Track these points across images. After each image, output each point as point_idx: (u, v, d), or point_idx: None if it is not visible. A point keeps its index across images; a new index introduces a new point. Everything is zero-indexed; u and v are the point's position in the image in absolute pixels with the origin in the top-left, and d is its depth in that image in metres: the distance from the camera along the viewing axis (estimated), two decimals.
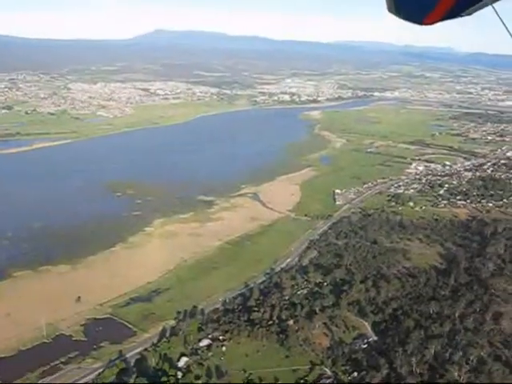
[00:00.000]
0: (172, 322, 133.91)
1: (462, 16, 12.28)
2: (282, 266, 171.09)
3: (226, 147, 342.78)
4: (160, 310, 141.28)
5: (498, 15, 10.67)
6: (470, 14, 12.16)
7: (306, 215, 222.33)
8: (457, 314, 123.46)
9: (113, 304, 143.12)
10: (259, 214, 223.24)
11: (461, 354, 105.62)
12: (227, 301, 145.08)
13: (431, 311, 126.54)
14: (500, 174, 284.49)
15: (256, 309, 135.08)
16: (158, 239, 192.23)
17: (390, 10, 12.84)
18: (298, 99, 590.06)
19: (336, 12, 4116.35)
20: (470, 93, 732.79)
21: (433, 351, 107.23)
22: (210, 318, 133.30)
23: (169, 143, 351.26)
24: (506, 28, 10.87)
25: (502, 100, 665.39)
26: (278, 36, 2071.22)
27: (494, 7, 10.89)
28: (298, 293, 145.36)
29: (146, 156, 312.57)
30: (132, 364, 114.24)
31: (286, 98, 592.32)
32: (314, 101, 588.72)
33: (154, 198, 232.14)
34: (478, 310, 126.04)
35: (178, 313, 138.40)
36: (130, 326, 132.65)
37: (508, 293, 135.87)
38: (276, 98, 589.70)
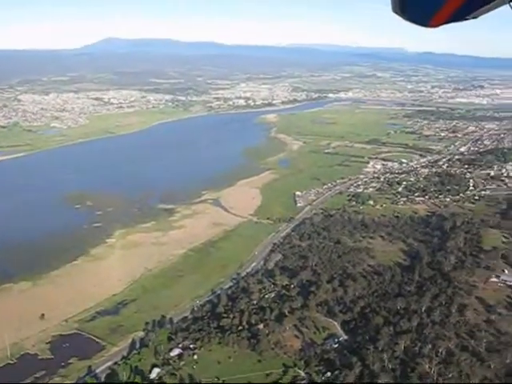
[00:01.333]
0: (141, 334, 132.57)
1: (467, 19, 12.36)
2: (248, 270, 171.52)
3: (184, 154, 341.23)
4: (128, 321, 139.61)
5: None
6: (475, 18, 12.19)
7: (268, 218, 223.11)
8: (423, 309, 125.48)
9: (79, 319, 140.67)
10: (221, 219, 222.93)
11: (430, 346, 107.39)
12: (195, 308, 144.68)
13: (398, 307, 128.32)
14: (455, 169, 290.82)
15: (225, 315, 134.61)
16: (120, 250, 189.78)
17: (394, 10, 12.76)
18: (253, 103, 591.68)
19: (288, 16, 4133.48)
20: (421, 91, 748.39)
21: (403, 346, 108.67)
22: (180, 327, 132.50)
23: (126, 152, 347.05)
24: None
25: (452, 97, 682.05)
26: (231, 41, 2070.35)
27: (510, 5, 10.79)
28: (266, 296, 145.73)
29: (104, 166, 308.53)
30: (103, 379, 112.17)
31: (241, 102, 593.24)
32: (269, 104, 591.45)
33: (115, 209, 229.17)
34: (443, 303, 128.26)
35: (147, 323, 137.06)
36: (98, 340, 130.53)
37: (470, 284, 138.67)
38: (231, 102, 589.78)
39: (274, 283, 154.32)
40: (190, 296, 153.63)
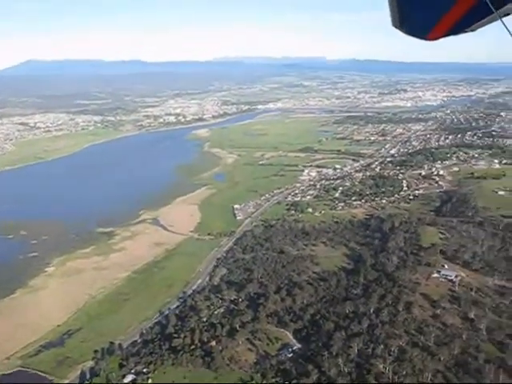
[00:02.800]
0: (90, 363, 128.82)
1: (466, 32, 12.73)
2: (194, 287, 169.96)
3: (118, 175, 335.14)
4: (75, 352, 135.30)
5: (508, 29, 10.95)
6: (474, 30, 12.59)
7: (209, 234, 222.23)
8: (372, 310, 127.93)
9: (21, 355, 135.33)
10: (162, 238, 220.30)
11: (382, 346, 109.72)
12: (145, 332, 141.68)
13: (347, 311, 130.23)
14: (388, 171, 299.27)
15: (176, 335, 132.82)
16: (60, 278, 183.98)
17: (394, 24, 12.94)
18: (183, 119, 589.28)
19: (212, 30, 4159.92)
20: (348, 97, 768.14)
21: (356, 349, 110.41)
22: (131, 352, 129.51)
23: (58, 177, 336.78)
24: None
25: (378, 102, 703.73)
26: (156, 58, 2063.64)
27: (503, 22, 11.12)
28: (216, 312, 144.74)
29: (35, 193, 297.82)
30: None
31: (172, 119, 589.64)
32: (200, 119, 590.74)
33: (50, 236, 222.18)
34: (390, 302, 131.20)
35: (95, 352, 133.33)
36: (45, 374, 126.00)
37: (414, 282, 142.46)
38: (162, 120, 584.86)
39: (221, 298, 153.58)
40: (138, 319, 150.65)
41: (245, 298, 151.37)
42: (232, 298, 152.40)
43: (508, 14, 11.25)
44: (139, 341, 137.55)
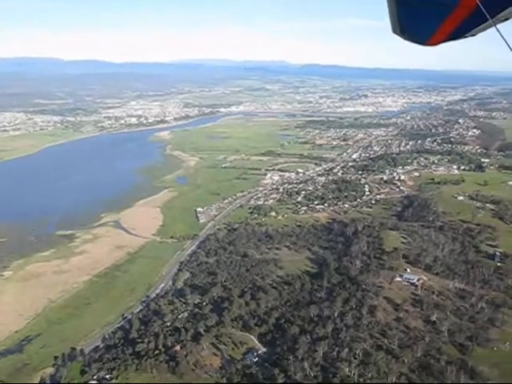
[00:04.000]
0: (51, 370, 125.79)
1: (465, 37, 12.81)
2: (158, 291, 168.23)
3: (78, 177, 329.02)
4: (34, 358, 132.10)
5: (503, 37, 11.06)
6: (473, 35, 12.71)
7: (171, 237, 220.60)
8: (336, 314, 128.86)
9: None
10: (124, 241, 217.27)
11: (347, 350, 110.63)
12: (107, 336, 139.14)
13: (312, 315, 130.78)
14: (350, 175, 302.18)
15: (139, 340, 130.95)
16: (19, 283, 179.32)
17: (394, 31, 13.35)
18: (145, 121, 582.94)
19: (173, 31, 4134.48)
20: (310, 102, 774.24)
21: (321, 353, 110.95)
22: (93, 358, 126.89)
23: (16, 178, 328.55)
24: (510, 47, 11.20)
25: (340, 107, 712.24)
26: (117, 58, 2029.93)
27: (497, 29, 11.29)
28: (180, 317, 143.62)
29: None
30: None
31: (134, 120, 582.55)
32: (162, 121, 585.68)
33: (8, 239, 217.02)
34: (354, 306, 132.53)
35: (56, 358, 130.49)
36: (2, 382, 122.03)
37: (377, 286, 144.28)
38: (123, 121, 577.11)
39: (185, 302, 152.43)
40: (100, 324, 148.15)
41: (209, 301, 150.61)
42: (196, 302, 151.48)
43: (508, 19, 11.52)
44: (101, 346, 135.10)
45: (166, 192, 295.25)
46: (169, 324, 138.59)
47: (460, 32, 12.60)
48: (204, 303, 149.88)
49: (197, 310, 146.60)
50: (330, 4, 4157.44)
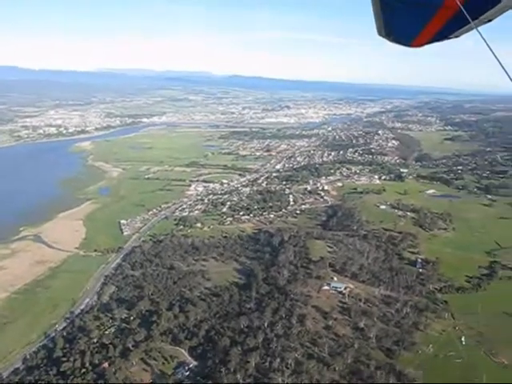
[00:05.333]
0: None
1: (449, 38, 12.91)
2: (82, 307, 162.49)
3: None
4: None
5: (484, 39, 11.15)
6: (457, 37, 12.85)
7: (95, 250, 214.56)
8: (266, 324, 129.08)
9: None
10: (45, 256, 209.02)
11: (279, 360, 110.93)
12: (28, 357, 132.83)
13: (242, 326, 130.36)
14: (274, 186, 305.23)
15: (65, 359, 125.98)
16: None
17: (379, 33, 13.34)
18: (65, 131, 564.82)
19: (95, 39, 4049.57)
20: (233, 113, 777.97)
21: (254, 363, 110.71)
22: (12, 382, 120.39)
23: None
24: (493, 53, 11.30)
25: (262, 118, 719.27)
26: (35, 65, 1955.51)
27: (479, 31, 11.40)
28: (107, 332, 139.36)
29: None
30: None
31: (53, 130, 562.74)
32: (83, 131, 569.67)
33: None
34: (283, 316, 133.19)
35: None
36: None
37: (305, 295, 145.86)
38: (41, 131, 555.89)
39: (112, 317, 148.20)
40: (20, 344, 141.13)
41: (136, 316, 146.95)
42: (123, 317, 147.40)
43: (490, 20, 11.73)
44: (22, 368, 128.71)
45: (89, 204, 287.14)
46: (95, 340, 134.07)
47: (444, 33, 12.76)
48: (131, 317, 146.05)
49: (124, 324, 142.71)
50: (253, 16, 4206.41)
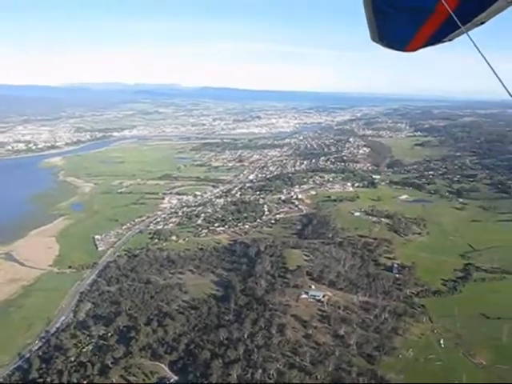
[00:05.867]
0: None
1: (443, 42, 12.94)
2: (58, 325, 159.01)
3: None
4: None
5: (474, 43, 11.19)
6: (450, 40, 12.87)
7: (70, 267, 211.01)
8: (246, 335, 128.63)
9: None
10: (18, 274, 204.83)
11: (261, 371, 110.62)
12: (2, 380, 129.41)
13: (222, 338, 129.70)
14: (248, 196, 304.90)
15: (41, 380, 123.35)
16: None
17: (373, 38, 13.35)
18: (34, 147, 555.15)
19: (61, 53, 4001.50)
20: (204, 124, 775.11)
21: (235, 376, 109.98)
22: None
23: None
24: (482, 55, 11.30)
25: (234, 128, 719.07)
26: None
27: (469, 35, 11.43)
28: (84, 350, 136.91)
29: None
30: None
31: (22, 146, 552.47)
32: (53, 147, 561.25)
33: None
34: (263, 326, 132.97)
35: None
36: None
37: (284, 304, 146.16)
38: (10, 147, 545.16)
39: (89, 335, 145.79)
40: None
41: (114, 332, 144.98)
42: (101, 334, 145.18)
43: (483, 23, 11.69)
44: None
45: (62, 220, 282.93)
46: (73, 359, 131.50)
47: (437, 37, 12.74)
48: (109, 334, 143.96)
49: (102, 341, 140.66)
50: (219, 27, 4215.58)
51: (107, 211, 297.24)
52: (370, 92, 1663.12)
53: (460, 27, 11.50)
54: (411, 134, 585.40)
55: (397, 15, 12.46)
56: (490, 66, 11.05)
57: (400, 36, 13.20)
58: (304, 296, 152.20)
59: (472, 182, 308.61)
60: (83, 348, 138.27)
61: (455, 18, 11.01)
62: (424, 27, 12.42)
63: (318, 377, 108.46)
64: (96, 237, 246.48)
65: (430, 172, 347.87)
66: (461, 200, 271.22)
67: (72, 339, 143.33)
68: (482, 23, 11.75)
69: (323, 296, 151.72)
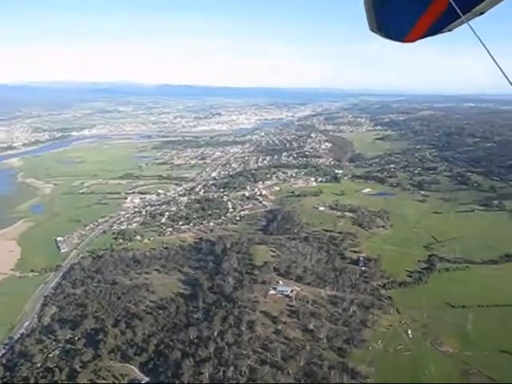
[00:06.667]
0: None
1: (442, 32, 12.92)
2: (22, 331, 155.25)
3: None
4: None
5: (475, 32, 11.18)
6: (450, 30, 12.88)
7: (32, 271, 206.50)
8: (216, 333, 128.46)
9: None
10: None
11: (233, 368, 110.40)
12: None
13: (192, 337, 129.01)
14: (212, 193, 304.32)
15: None
16: None
17: (372, 29, 13.34)
18: None
19: (14, 48, 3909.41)
20: (165, 122, 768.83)
21: (207, 374, 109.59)
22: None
23: None
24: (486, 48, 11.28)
25: (195, 126, 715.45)
26: None
27: (469, 25, 11.44)
28: (51, 355, 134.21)
29: None
30: None
31: None
32: (10, 148, 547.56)
33: None
34: (232, 323, 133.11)
35: None
36: None
37: (253, 301, 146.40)
38: None
39: (55, 339, 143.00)
40: None
41: (81, 335, 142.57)
42: (67, 338, 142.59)
43: (483, 13, 11.74)
44: None
45: (22, 222, 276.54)
46: (39, 365, 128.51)
47: (437, 27, 12.77)
48: (76, 338, 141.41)
49: (69, 345, 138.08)
50: (175, 24, 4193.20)
51: (69, 212, 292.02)
52: (330, 87, 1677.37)
53: (460, 17, 11.50)
54: (371, 129, 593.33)
55: (396, 5, 12.49)
56: (492, 57, 11.02)
57: (399, 26, 13.17)
58: (272, 292, 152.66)
59: (432, 174, 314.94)
60: (50, 353, 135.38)
61: (456, 7, 10.97)
62: (423, 17, 12.40)
63: (290, 372, 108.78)
64: (58, 239, 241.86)
65: (392, 165, 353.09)
66: (422, 192, 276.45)
67: (37, 345, 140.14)
68: (481, 13, 11.74)
69: (291, 291, 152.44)
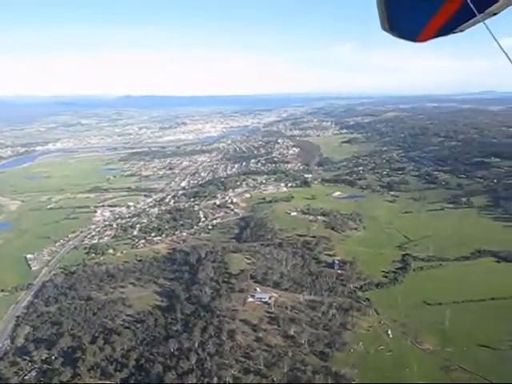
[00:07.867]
0: None
1: (454, 32, 12.91)
2: None
3: None
4: None
5: (491, 32, 11.21)
6: (462, 31, 12.90)
7: (2, 290, 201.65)
8: (197, 344, 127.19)
9: None
10: None
11: (216, 379, 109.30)
12: None
13: (172, 349, 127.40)
14: (183, 203, 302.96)
15: None
16: None
17: (383, 28, 13.22)
18: None
19: None
20: (130, 133, 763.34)
21: None
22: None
23: None
24: (499, 45, 11.35)
25: (161, 136, 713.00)
26: None
27: (486, 24, 11.48)
28: (27, 377, 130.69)
29: None
30: None
31: None
32: None
33: None
34: (213, 334, 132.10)
35: None
36: None
37: (232, 310, 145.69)
38: None
39: (31, 360, 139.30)
40: None
41: (58, 354, 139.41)
42: (43, 358, 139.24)
43: (496, 14, 11.62)
44: None
45: None
46: None
47: (449, 27, 12.65)
48: (53, 357, 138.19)
49: (46, 365, 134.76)
50: (136, 35, 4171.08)
51: (38, 228, 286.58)
52: (294, 92, 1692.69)
53: (472, 17, 11.49)
54: (337, 132, 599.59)
55: (408, 4, 12.41)
56: (508, 56, 10.95)
57: (412, 25, 13.05)
58: (250, 299, 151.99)
59: (401, 174, 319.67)
60: (25, 375, 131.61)
61: (472, 7, 10.92)
62: (436, 16, 12.28)
63: (274, 379, 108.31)
64: (28, 256, 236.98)
65: (360, 168, 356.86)
66: (392, 193, 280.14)
67: (12, 367, 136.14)
68: (495, 14, 11.66)
69: (269, 298, 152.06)
